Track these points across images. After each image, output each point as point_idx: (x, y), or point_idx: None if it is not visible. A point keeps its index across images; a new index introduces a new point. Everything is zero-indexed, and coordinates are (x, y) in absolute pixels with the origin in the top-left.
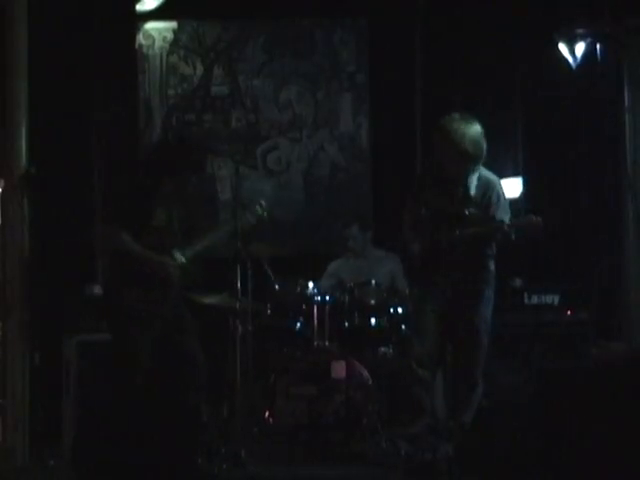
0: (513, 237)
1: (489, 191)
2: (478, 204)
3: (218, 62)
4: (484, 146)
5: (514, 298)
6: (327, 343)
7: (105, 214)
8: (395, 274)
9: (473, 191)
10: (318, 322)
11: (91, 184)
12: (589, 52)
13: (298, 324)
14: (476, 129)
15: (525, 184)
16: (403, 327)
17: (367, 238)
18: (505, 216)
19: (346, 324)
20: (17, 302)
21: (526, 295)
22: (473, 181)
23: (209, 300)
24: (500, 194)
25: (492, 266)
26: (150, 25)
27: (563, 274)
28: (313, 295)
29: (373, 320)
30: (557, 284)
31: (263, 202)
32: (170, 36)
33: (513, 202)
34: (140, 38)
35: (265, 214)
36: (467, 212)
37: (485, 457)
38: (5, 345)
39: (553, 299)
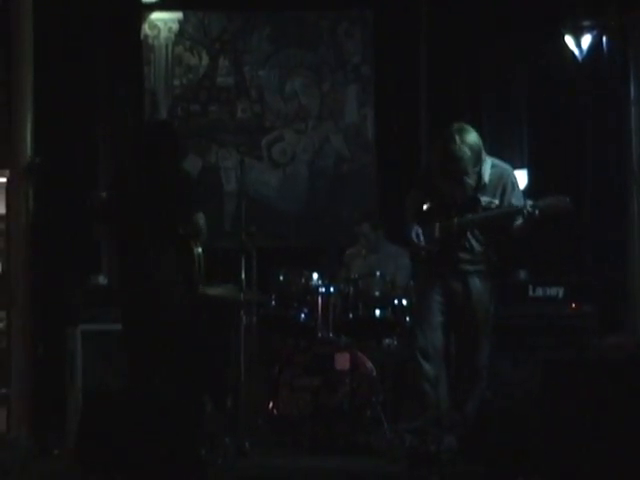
0: (537, 213)
1: (503, 180)
2: (492, 193)
3: (224, 53)
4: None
5: (518, 291)
6: (331, 334)
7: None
8: (406, 269)
9: (487, 179)
10: (322, 313)
11: (96, 175)
12: (595, 44)
13: (302, 315)
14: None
15: (530, 176)
16: (407, 319)
17: (379, 235)
18: (519, 203)
19: (350, 315)
20: (21, 292)
21: (530, 288)
22: (487, 170)
23: (213, 291)
24: (514, 182)
25: (495, 258)
26: (155, 16)
27: (568, 267)
28: (317, 286)
29: (377, 312)
30: (562, 277)
31: None
32: (176, 27)
33: None
34: (145, 29)
35: None
36: (482, 200)
37: (489, 449)
38: (9, 335)
39: (558, 292)
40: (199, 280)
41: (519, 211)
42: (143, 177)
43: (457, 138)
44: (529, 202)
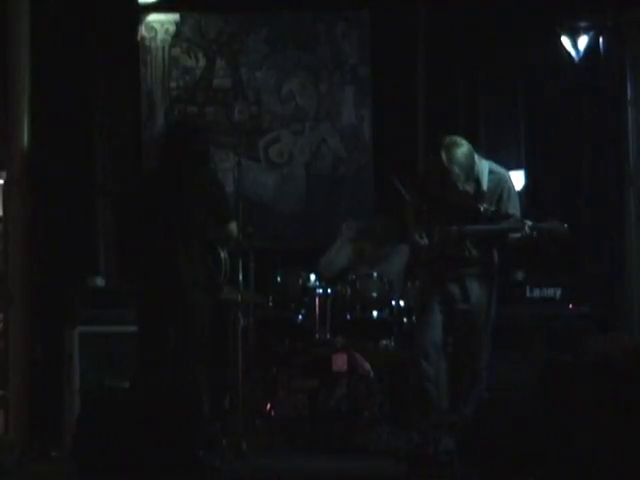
0: (534, 235)
1: (500, 186)
2: (489, 199)
3: (220, 54)
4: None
5: (516, 291)
6: (328, 336)
7: None
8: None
9: (485, 186)
10: (319, 314)
11: (93, 177)
12: (592, 45)
13: (299, 316)
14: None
15: (527, 177)
16: (405, 320)
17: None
18: (515, 211)
19: (348, 316)
20: (19, 294)
21: (528, 288)
22: (485, 176)
23: None
24: (511, 189)
25: (495, 259)
26: (152, 17)
27: (565, 268)
28: (315, 287)
29: (375, 313)
30: (559, 277)
31: None
32: (172, 28)
33: None
34: (142, 30)
35: None
36: (482, 208)
37: (487, 450)
38: (7, 336)
39: (555, 292)
40: (223, 283)
41: (517, 230)
42: (173, 178)
43: (444, 156)
44: (528, 223)
